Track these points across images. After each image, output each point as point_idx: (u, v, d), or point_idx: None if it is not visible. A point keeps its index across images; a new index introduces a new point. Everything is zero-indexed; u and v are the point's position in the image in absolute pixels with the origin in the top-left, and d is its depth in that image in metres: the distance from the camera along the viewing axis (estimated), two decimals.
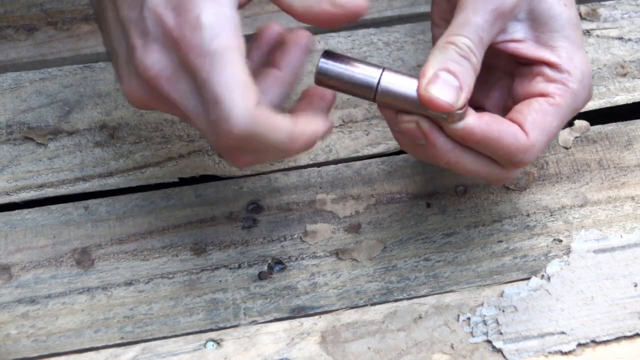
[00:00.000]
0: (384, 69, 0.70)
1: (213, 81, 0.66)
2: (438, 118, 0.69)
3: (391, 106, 0.71)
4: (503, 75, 0.76)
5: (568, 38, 0.72)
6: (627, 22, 0.90)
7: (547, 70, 0.72)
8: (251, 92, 0.66)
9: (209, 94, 0.66)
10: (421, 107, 0.69)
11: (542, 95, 0.72)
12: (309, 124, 0.69)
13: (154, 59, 0.68)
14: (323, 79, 0.71)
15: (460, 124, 0.69)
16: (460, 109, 0.68)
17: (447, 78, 0.69)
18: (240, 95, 0.65)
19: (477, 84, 0.75)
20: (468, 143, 0.70)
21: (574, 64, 0.72)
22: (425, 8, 0.90)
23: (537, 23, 0.72)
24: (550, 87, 0.72)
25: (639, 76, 0.87)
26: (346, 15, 0.69)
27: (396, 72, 0.70)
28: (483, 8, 0.70)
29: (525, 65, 0.74)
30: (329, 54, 0.71)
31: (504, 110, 0.74)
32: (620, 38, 0.88)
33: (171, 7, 0.67)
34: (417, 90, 0.69)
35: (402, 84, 0.70)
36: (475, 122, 0.69)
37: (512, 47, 0.73)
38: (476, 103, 0.76)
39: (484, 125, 0.69)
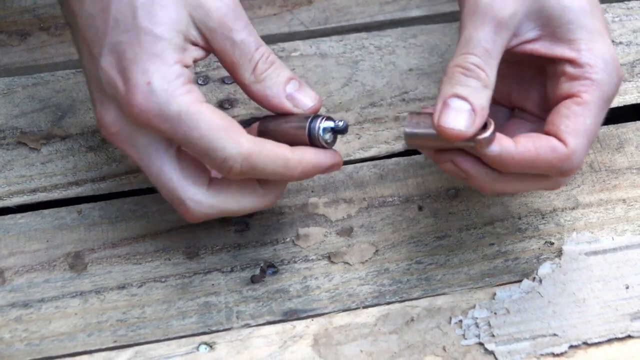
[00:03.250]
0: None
1: (195, 138, 0.67)
2: (468, 148, 0.68)
3: (425, 148, 0.71)
4: (537, 73, 0.74)
5: (585, 27, 0.70)
6: (618, 25, 0.90)
7: (569, 68, 0.70)
8: (236, 131, 0.68)
9: (196, 150, 0.68)
10: (446, 140, 0.68)
11: (569, 96, 0.70)
12: (307, 153, 0.70)
13: (112, 119, 0.70)
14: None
15: (495, 152, 0.68)
16: (483, 130, 0.67)
17: (457, 104, 0.67)
18: (228, 138, 0.67)
19: (514, 86, 0.74)
20: (509, 170, 0.69)
21: (594, 53, 0.70)
22: (417, 12, 0.90)
23: (550, 18, 0.70)
24: (574, 87, 0.70)
25: (630, 79, 0.87)
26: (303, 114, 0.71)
27: (419, 113, 0.69)
28: (482, 21, 0.69)
29: (552, 63, 0.71)
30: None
31: (546, 110, 0.72)
32: (612, 41, 0.88)
33: (119, 70, 0.68)
34: (433, 125, 0.68)
35: (424, 124, 0.69)
36: (511, 147, 0.68)
37: (529, 48, 0.71)
38: (517, 105, 0.75)
39: (521, 149, 0.68)
